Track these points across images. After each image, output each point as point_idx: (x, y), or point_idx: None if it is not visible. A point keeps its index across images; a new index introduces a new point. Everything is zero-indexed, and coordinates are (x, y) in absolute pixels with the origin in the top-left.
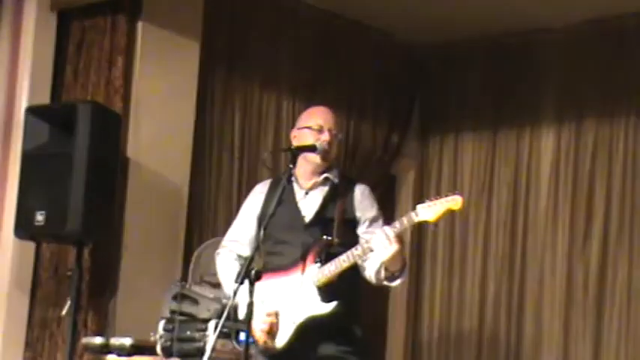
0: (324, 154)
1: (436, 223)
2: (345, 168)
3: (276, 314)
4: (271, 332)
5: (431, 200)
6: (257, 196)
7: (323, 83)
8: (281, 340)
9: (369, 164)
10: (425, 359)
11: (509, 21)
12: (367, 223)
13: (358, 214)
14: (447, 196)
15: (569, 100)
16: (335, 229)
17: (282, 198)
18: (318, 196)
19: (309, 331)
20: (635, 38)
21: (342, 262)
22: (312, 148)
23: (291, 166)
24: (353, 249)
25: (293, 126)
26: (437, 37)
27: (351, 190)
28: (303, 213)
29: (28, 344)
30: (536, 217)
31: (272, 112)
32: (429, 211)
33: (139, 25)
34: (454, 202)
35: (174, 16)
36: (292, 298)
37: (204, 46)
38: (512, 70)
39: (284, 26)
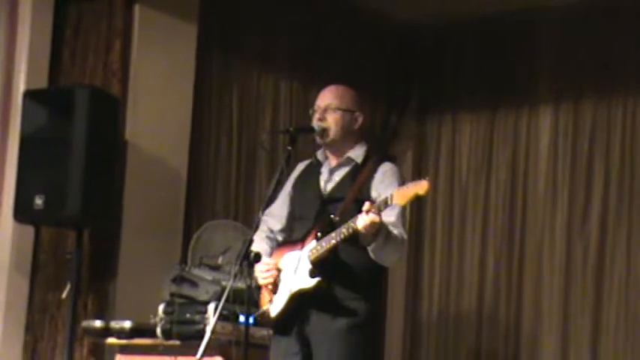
0: (322, 134)
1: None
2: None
3: (278, 270)
4: (274, 289)
5: (406, 185)
6: (293, 175)
7: (320, 64)
8: (275, 309)
9: None
10: (424, 338)
11: (506, 0)
12: None
13: (374, 193)
14: (417, 180)
15: (566, 80)
16: (341, 208)
17: (306, 177)
18: (339, 175)
19: (305, 304)
20: (632, 15)
21: (331, 240)
22: (309, 130)
23: (289, 147)
24: (342, 226)
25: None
26: (434, 17)
27: (375, 170)
28: (323, 192)
29: (29, 327)
30: (534, 197)
31: (269, 94)
32: (401, 195)
33: (136, 8)
34: (420, 186)
35: None
36: (292, 271)
37: (201, 29)
38: (510, 50)
39: (281, 7)
